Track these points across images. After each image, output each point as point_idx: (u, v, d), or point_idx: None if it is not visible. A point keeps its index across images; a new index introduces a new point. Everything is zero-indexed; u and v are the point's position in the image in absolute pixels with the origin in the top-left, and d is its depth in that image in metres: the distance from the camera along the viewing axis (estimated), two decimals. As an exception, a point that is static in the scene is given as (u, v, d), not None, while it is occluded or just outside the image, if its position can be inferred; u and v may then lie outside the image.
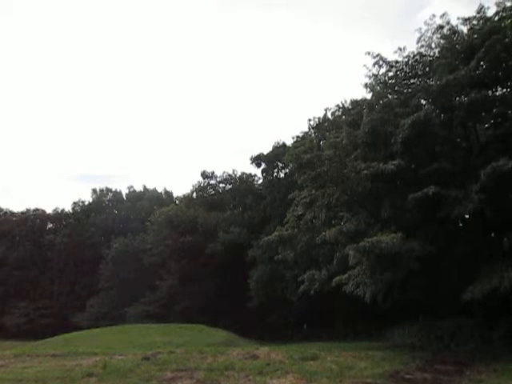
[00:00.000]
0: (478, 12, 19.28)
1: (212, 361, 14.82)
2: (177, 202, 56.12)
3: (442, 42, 19.98)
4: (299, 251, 24.33)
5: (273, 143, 43.40)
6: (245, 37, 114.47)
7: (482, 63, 18.05)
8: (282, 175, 42.92)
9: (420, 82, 20.57)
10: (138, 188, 62.00)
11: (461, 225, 21.02)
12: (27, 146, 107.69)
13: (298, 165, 20.81)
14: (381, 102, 19.85)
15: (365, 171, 17.92)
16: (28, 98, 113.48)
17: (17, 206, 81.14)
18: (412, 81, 20.98)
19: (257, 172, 46.83)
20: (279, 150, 41.55)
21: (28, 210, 63.64)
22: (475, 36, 18.64)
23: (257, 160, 43.94)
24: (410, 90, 20.52)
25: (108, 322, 39.71)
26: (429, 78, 20.19)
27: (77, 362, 15.16)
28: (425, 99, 20.08)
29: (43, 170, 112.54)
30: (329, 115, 36.97)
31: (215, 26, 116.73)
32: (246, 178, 48.62)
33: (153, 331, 28.71)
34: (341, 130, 21.85)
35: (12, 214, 64.02)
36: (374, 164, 17.72)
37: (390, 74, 21.00)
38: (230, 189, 49.46)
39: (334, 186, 19.50)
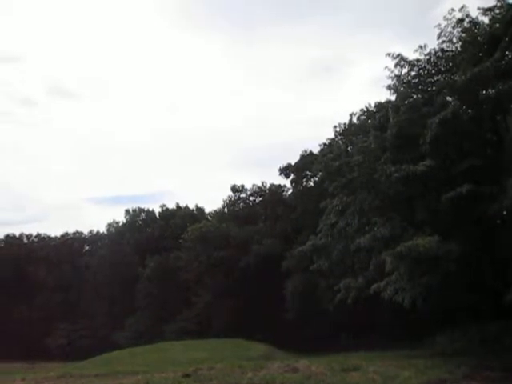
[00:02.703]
0: (498, 0, 18.80)
1: (253, 375, 14.67)
2: (209, 217, 56.54)
3: (463, 35, 19.53)
4: (334, 260, 24.00)
5: (300, 152, 43.34)
6: (262, 39, 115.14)
7: (506, 53, 17.56)
8: (311, 184, 42.67)
9: (444, 78, 20.17)
10: (171, 206, 62.87)
11: (498, 222, 20.28)
12: (61, 172, 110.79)
13: (327, 173, 20.68)
14: (406, 102, 19.55)
15: (395, 174, 17.59)
16: (58, 121, 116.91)
17: (54, 230, 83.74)
18: (436, 78, 20.61)
19: (286, 183, 46.86)
20: (307, 159, 41.40)
21: (66, 234, 65.52)
22: (497, 25, 18.16)
23: (285, 171, 43.92)
24: (434, 88, 20.13)
25: (146, 340, 40.02)
26: (453, 74, 19.76)
27: (119, 382, 15.32)
28: (451, 96, 19.61)
29: (78, 194, 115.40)
30: (354, 120, 36.63)
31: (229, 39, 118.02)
32: (276, 190, 48.63)
33: (191, 348, 28.77)
34: (368, 135, 21.61)
35: (50, 238, 65.94)
36: (405, 166, 17.39)
37: (413, 73, 20.68)
38: (261, 201, 49.58)
39: (365, 191, 19.22)
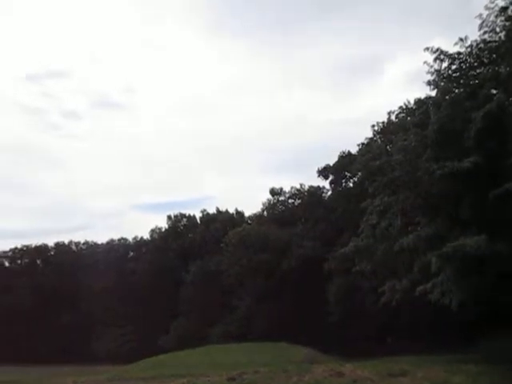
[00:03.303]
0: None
1: (297, 380, 14.57)
2: (248, 221, 56.76)
3: (507, 24, 18.68)
4: (377, 261, 23.53)
5: (338, 153, 42.86)
6: (297, 40, 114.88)
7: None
8: (350, 185, 42.09)
9: (488, 70, 19.35)
10: (211, 211, 63.52)
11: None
12: (106, 181, 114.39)
13: (367, 173, 20.33)
14: (447, 97, 18.92)
15: (439, 172, 17.05)
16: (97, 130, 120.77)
17: (101, 237, 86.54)
18: (478, 71, 19.80)
19: (325, 184, 46.44)
20: (345, 160, 40.87)
21: (112, 240, 67.52)
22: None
23: (324, 172, 43.54)
24: (477, 81, 19.37)
25: (190, 343, 40.49)
26: (497, 66, 18.96)
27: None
28: (495, 88, 18.81)
29: (122, 202, 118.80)
30: (393, 118, 35.84)
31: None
32: (315, 191, 48.28)
33: (234, 351, 28.91)
34: (408, 132, 21.08)
35: (97, 245, 68.15)
36: (448, 163, 16.83)
37: (454, 66, 19.96)
38: (300, 203, 49.33)
39: (407, 190, 18.75)
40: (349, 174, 41.42)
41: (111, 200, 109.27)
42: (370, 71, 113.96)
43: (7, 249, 67.77)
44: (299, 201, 49.78)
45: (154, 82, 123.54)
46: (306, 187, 49.18)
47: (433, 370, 15.16)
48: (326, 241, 40.72)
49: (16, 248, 67.44)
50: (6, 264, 67.59)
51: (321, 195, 47.97)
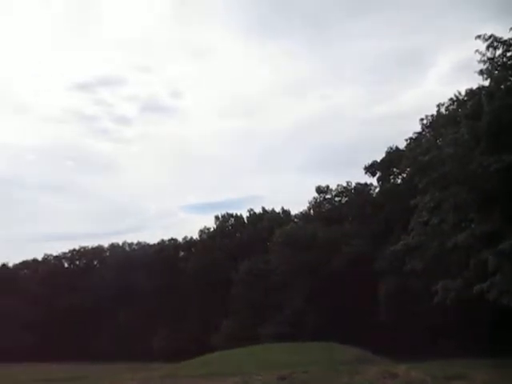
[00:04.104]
0: None
1: (348, 380, 14.36)
2: (295, 219, 56.55)
3: None
4: (428, 259, 22.80)
5: (385, 149, 41.87)
6: (337, 35, 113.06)
7: None
8: (399, 181, 41.02)
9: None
10: (258, 210, 63.80)
11: None
12: (156, 183, 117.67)
13: (416, 168, 19.77)
14: (502, 86, 18.02)
15: (494, 165, 16.30)
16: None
17: (152, 238, 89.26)
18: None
19: (372, 181, 45.52)
20: (393, 156, 39.89)
21: (162, 241, 69.23)
22: None
23: (371, 168, 42.70)
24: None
25: (241, 342, 40.86)
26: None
27: (216, 383, 15.73)
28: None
29: (172, 203, 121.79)
30: (442, 111, 34.55)
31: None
32: (362, 189, 47.45)
33: (284, 350, 28.81)
34: (459, 125, 20.26)
35: (149, 246, 70.16)
36: (504, 156, 16.05)
37: (509, 53, 18.99)
38: (347, 201, 48.64)
39: (460, 185, 18.05)
40: (397, 170, 40.39)
41: (161, 201, 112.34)
42: (416, 63, 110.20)
43: (66, 250, 71.25)
44: (346, 198, 49.07)
45: (201, 84, 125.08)
46: (353, 184, 48.44)
47: (492, 373, 14.52)
48: (375, 239, 39.93)
49: (74, 249, 70.62)
50: (66, 265, 70.94)
51: (368, 192, 47.07)
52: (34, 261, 77.66)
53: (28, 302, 64.90)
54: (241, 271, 52.63)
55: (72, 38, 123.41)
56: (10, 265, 79.56)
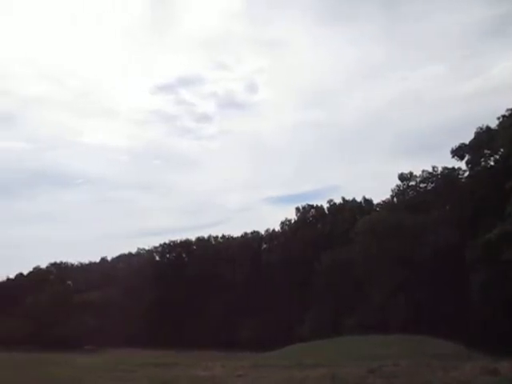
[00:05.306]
0: None
1: (443, 375, 13.73)
2: (377, 208, 55.03)
3: None
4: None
5: (474, 129, 39.15)
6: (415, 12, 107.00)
7: None
8: (491, 163, 38.27)
9: None
10: (338, 200, 62.93)
11: None
12: (239, 178, 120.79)
13: None
14: None
15: None
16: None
17: (236, 231, 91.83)
18: None
19: (461, 165, 42.95)
20: (483, 136, 37.31)
21: (245, 234, 70.84)
22: None
23: (459, 152, 40.35)
24: None
25: (326, 333, 40.71)
26: None
27: (305, 373, 15.83)
28: None
29: (254, 196, 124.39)
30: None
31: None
32: (449, 174, 45.02)
33: (371, 342, 28.25)
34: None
35: (233, 239, 72.13)
36: None
37: None
38: (433, 187, 46.40)
39: None
40: (489, 152, 37.68)
41: (243, 195, 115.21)
42: (504, 33, 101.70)
43: (157, 244, 75.38)
44: (432, 185, 46.80)
45: (276, 77, 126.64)
46: (440, 170, 46.02)
47: None
48: (464, 227, 37.77)
49: (164, 243, 74.46)
50: (157, 258, 75.04)
51: (456, 177, 44.51)
52: (129, 254, 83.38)
53: (123, 293, 69.72)
54: (323, 262, 52.30)
55: (152, 41, 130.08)
56: (109, 258, 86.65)
